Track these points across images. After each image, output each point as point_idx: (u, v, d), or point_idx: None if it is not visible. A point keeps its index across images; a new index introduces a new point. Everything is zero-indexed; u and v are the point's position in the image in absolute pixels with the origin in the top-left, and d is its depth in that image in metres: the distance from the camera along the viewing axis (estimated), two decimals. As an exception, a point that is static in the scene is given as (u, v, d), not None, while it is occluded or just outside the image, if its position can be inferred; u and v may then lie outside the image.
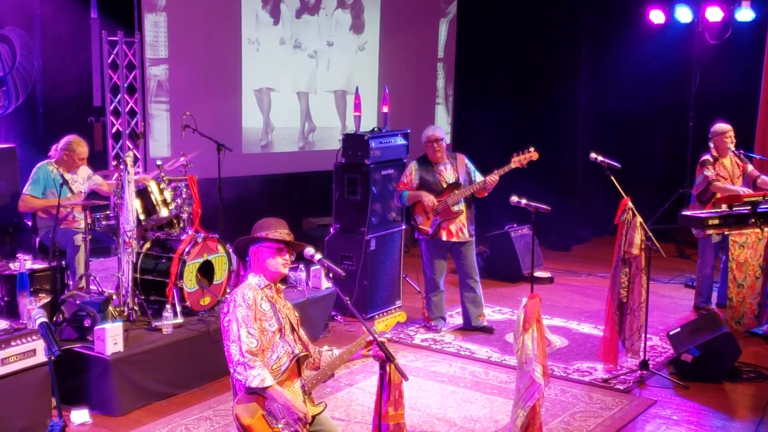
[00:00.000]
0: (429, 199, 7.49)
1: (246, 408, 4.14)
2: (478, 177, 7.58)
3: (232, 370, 4.17)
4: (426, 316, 7.88)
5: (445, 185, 7.56)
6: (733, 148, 8.15)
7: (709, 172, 8.06)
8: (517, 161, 7.32)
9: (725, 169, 8.18)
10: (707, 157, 8.21)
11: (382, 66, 11.23)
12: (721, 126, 8.24)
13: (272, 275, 4.33)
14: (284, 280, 4.71)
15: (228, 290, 6.98)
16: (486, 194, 7.56)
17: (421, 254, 7.84)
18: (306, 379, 4.33)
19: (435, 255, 7.73)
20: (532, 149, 7.31)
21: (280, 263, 4.31)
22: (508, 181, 7.50)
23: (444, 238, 7.56)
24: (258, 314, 4.21)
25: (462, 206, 7.54)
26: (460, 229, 7.57)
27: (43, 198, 7.06)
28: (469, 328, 7.78)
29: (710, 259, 8.26)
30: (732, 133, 8.17)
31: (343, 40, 10.87)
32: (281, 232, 4.32)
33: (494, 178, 7.36)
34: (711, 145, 8.23)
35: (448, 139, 11.74)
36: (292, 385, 4.25)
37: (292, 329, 4.36)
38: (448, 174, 7.62)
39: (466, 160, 7.72)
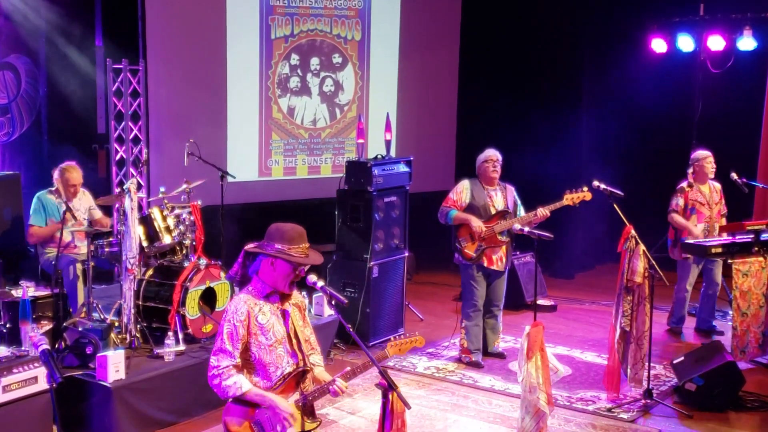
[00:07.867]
0: (477, 224, 7.29)
1: (234, 417, 4.14)
2: (522, 212, 7.46)
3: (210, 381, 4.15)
4: (464, 348, 7.58)
5: (494, 211, 7.40)
6: (712, 175, 8.32)
7: (674, 201, 8.30)
8: (569, 199, 7.13)
9: (702, 194, 8.34)
10: (683, 184, 8.37)
11: (386, 94, 11.25)
12: (702, 152, 8.41)
13: (282, 288, 4.24)
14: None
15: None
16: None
17: (462, 280, 7.61)
18: (306, 391, 4.27)
19: (479, 280, 7.50)
20: (585, 189, 7.13)
21: (293, 281, 4.23)
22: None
23: (485, 264, 7.44)
24: (252, 329, 4.15)
25: (507, 236, 7.42)
26: (500, 258, 7.46)
27: (47, 225, 7.12)
28: (485, 353, 7.68)
29: (685, 282, 8.42)
30: (712, 159, 8.31)
31: (347, 71, 10.91)
32: (304, 248, 4.20)
33: (545, 212, 7.15)
34: (689, 171, 8.37)
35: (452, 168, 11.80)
36: (286, 399, 4.21)
37: (291, 339, 4.26)
38: (498, 200, 7.45)
39: (515, 193, 7.58)
